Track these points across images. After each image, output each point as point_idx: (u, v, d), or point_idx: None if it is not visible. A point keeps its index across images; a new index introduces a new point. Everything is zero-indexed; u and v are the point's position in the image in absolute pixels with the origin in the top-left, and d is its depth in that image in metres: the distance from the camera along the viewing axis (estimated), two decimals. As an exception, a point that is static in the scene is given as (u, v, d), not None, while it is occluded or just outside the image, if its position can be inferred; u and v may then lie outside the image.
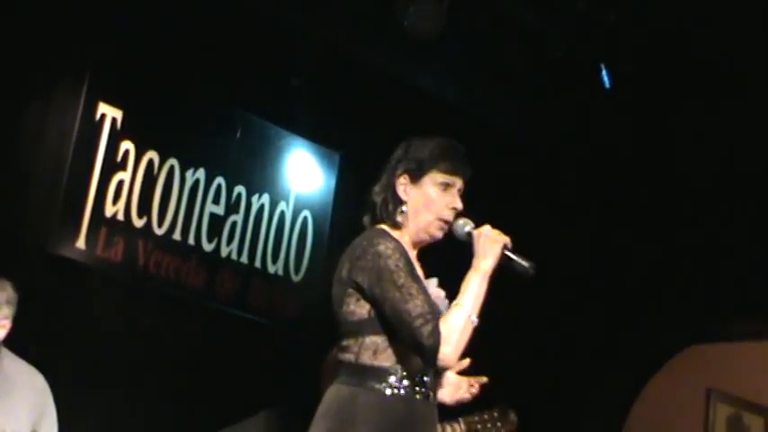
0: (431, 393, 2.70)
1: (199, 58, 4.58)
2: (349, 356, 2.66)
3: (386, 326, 2.64)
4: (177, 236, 4.51)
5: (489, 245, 2.68)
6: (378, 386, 2.62)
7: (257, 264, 4.78)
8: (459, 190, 2.80)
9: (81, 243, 4.20)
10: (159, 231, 4.45)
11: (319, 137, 5.04)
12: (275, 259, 4.85)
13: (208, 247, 4.62)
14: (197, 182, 4.60)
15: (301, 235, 4.95)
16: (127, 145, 4.37)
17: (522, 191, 5.61)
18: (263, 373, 4.65)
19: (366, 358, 2.64)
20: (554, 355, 5.61)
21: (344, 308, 2.68)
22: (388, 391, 2.62)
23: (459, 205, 2.78)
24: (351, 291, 2.67)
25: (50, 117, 4.20)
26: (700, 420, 6.29)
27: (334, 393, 2.66)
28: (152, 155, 4.45)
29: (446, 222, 2.77)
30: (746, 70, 4.78)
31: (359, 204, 5.10)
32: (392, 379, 2.63)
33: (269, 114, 4.88)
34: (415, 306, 2.58)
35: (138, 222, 4.39)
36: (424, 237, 2.80)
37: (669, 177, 5.26)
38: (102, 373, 4.25)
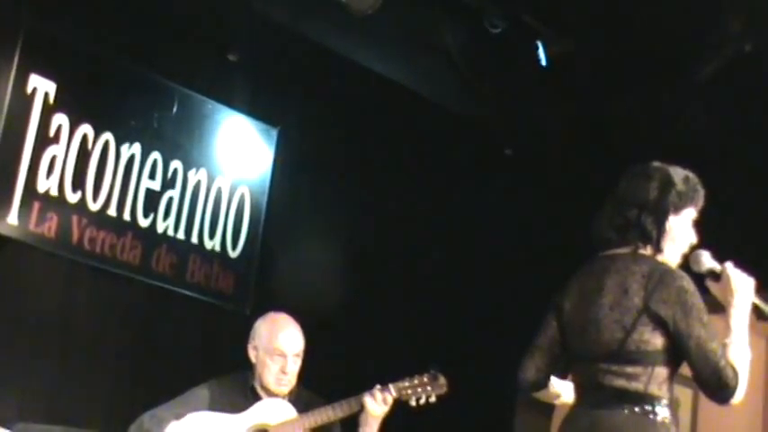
0: None
1: (134, 31, 4.52)
2: (637, 385, 2.73)
3: (676, 358, 2.74)
4: (112, 211, 4.46)
5: (744, 285, 2.76)
6: (665, 417, 2.73)
7: (194, 239, 4.75)
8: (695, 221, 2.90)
9: (13, 218, 4.13)
10: (94, 207, 4.40)
11: (257, 112, 5.01)
12: (212, 235, 4.82)
13: (144, 222, 4.57)
14: (132, 157, 4.55)
15: (239, 210, 4.92)
16: (60, 119, 4.30)
17: (463, 164, 5.65)
18: (200, 348, 4.63)
19: (654, 388, 2.73)
20: (485, 324, 5.67)
21: (635, 335, 2.73)
22: (669, 422, 2.74)
23: (695, 239, 2.89)
24: (646, 320, 2.72)
25: (-20, 90, 4.12)
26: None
27: (629, 421, 2.72)
28: (86, 129, 4.38)
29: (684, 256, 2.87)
30: (685, 52, 4.83)
31: (296, 180, 5.15)
32: (670, 410, 2.75)
33: (206, 89, 4.84)
34: (718, 346, 2.68)
35: (73, 197, 4.34)
36: None
37: (602, 155, 5.30)
38: (37, 349, 4.20)
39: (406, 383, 3.75)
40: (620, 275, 2.78)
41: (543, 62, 4.93)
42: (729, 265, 2.79)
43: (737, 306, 2.74)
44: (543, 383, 2.99)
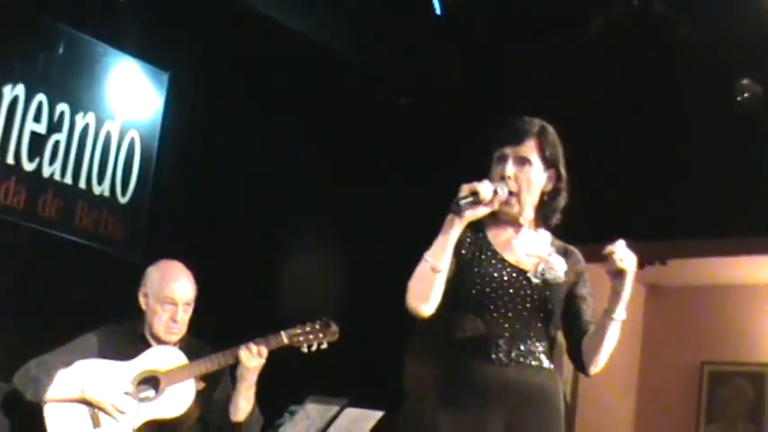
0: (509, 355, 2.78)
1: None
2: None
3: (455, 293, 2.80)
4: (-6, 155, 4.33)
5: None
6: (450, 355, 2.81)
7: (82, 184, 4.64)
8: (518, 158, 2.81)
9: None
10: (-25, 149, 4.26)
11: (148, 55, 4.90)
12: (101, 180, 4.72)
13: (29, 166, 4.44)
14: (16, 98, 4.40)
15: (129, 155, 4.83)
16: (-62, 58, 4.15)
17: (358, 112, 5.65)
18: (89, 295, 4.55)
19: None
20: (378, 274, 5.70)
21: None
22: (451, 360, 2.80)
23: (506, 171, 2.80)
24: None
25: None
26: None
27: None
28: (-35, 69, 4.24)
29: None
30: (578, 4, 4.89)
31: (187, 125, 5.07)
32: (459, 347, 2.79)
33: (95, 31, 4.70)
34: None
35: (-48, 140, 4.19)
36: (499, 211, 2.83)
37: (498, 105, 5.36)
38: None
39: (298, 330, 3.78)
40: None
41: (438, 11, 4.94)
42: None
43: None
44: None
